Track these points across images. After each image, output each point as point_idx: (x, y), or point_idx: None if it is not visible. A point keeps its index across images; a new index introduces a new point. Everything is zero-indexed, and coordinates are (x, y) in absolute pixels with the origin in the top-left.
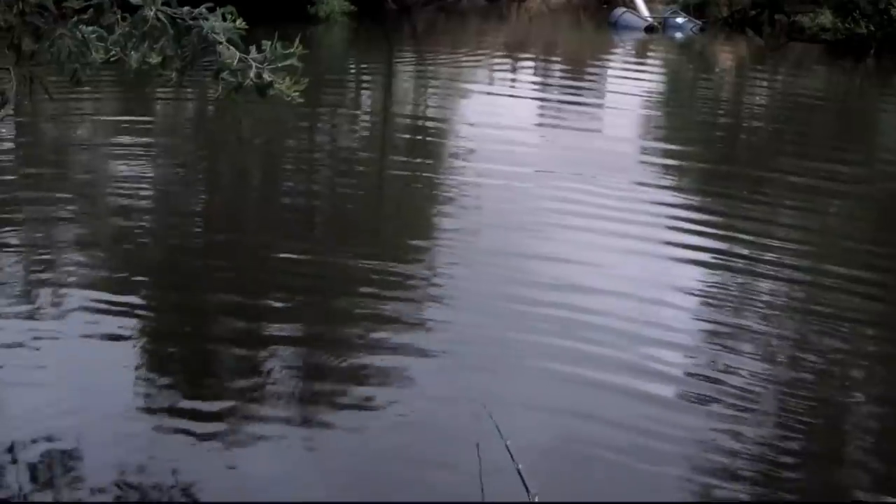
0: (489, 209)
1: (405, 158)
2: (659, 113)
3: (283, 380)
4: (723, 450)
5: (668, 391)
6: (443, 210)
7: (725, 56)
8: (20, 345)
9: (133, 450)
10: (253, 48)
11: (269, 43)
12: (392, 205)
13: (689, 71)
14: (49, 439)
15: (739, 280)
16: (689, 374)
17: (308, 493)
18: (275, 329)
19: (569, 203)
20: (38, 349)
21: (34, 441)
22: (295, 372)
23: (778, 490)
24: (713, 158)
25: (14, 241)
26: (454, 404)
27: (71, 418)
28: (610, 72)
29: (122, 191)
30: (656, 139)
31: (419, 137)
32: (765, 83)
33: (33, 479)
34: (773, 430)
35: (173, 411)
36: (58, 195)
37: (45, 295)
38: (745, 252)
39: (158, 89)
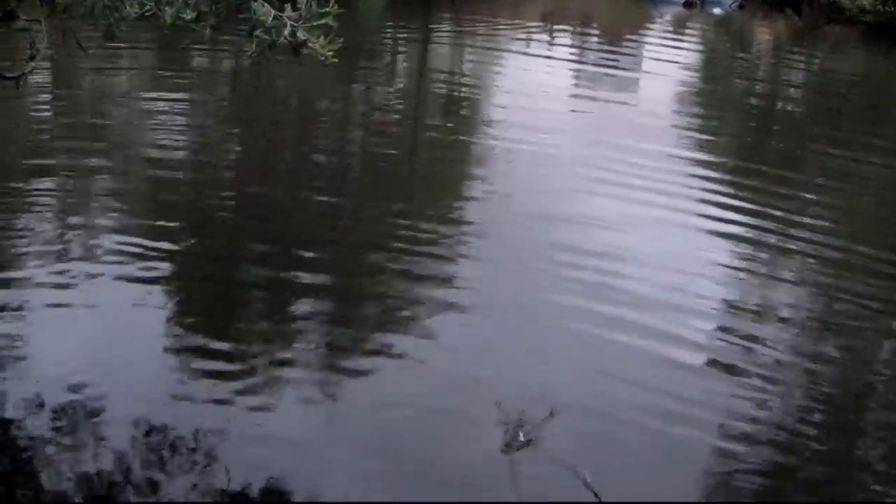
0: (522, 173)
1: (439, 122)
2: (695, 87)
3: (310, 328)
4: (748, 417)
5: (696, 358)
6: (475, 172)
7: (763, 34)
8: (52, 289)
9: (159, 395)
10: (288, 6)
11: (305, 1)
12: (425, 165)
13: (726, 47)
14: (76, 386)
15: (769, 254)
16: (717, 342)
17: (330, 443)
18: (303, 278)
19: (601, 170)
20: (68, 295)
21: (60, 388)
22: (321, 320)
23: (800, 459)
24: (747, 134)
25: (48, 188)
26: (477, 357)
27: (99, 363)
28: (647, 44)
29: (156, 142)
30: (691, 113)
31: (454, 102)
32: (802, 63)
33: (56, 428)
34: (798, 400)
35: (199, 358)
36: (93, 145)
37: (77, 241)
38: (776, 227)
39: (193, 46)
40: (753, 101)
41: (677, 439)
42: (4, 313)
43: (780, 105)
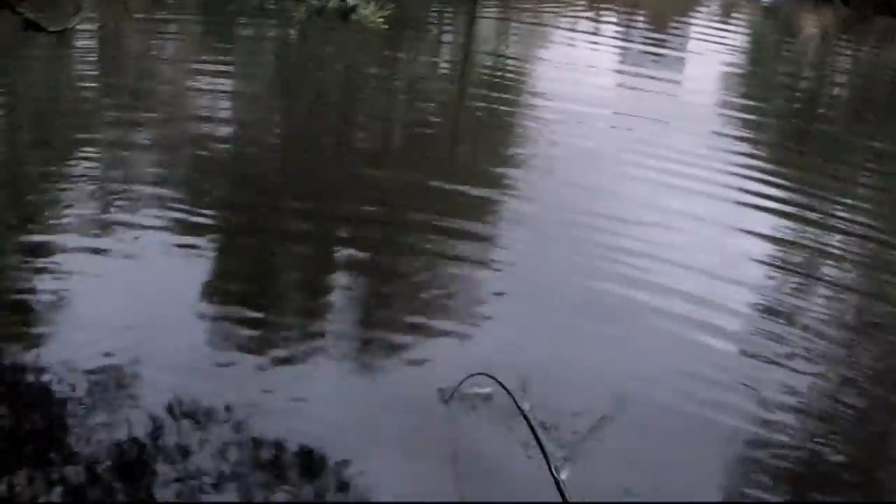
0: (563, 144)
1: (484, 92)
2: (740, 70)
3: (349, 301)
4: (783, 385)
5: (733, 324)
6: (517, 141)
7: (811, 23)
8: (91, 254)
9: (194, 362)
10: None
11: None
12: (468, 134)
13: (772, 34)
14: (111, 351)
15: (809, 232)
16: (755, 311)
17: (364, 418)
18: (345, 250)
19: (642, 144)
20: (107, 260)
21: (96, 351)
22: (361, 293)
23: (832, 434)
24: (791, 117)
25: (91, 153)
26: (516, 337)
27: (136, 328)
28: (693, 27)
29: (200, 109)
30: (735, 94)
31: (499, 75)
32: (848, 52)
33: (90, 391)
34: (835, 372)
35: (236, 327)
36: (136, 111)
37: (118, 208)
38: (817, 205)
39: (239, 12)
40: (799, 85)
41: (716, 424)
42: (44, 276)
43: (825, 90)
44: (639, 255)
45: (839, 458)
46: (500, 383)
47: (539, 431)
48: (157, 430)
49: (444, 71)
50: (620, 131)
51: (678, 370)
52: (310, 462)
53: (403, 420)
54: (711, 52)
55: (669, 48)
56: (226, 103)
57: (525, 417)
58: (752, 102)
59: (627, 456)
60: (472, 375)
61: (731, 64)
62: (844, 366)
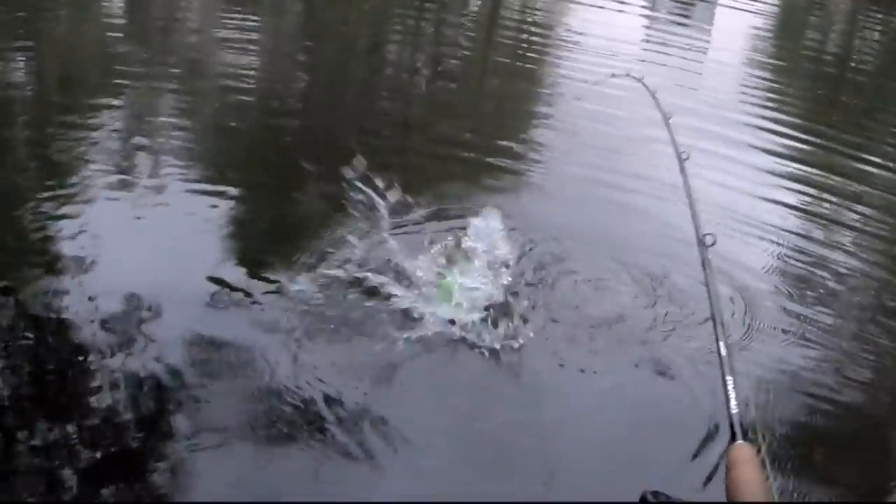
0: (586, 108)
1: (508, 57)
2: (767, 42)
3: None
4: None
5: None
6: (540, 100)
7: None
8: (112, 202)
9: (212, 313)
10: None
11: None
12: (492, 92)
13: (802, 3)
14: (130, 296)
15: (832, 205)
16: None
17: (387, 371)
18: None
19: (668, 108)
20: (129, 210)
21: (116, 297)
22: (381, 251)
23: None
24: (817, 88)
25: (114, 105)
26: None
27: (156, 275)
28: None
29: (224, 64)
30: (761, 65)
31: (524, 38)
32: (879, 24)
33: (107, 335)
34: (845, 351)
35: (255, 280)
36: (160, 66)
37: (141, 160)
38: (840, 181)
39: None
40: (826, 57)
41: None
42: (65, 222)
43: (853, 60)
44: (648, 211)
45: None
46: None
47: None
48: (173, 376)
49: (470, 33)
50: (642, 96)
51: None
52: (325, 420)
53: (431, 367)
54: (739, 21)
55: (696, 19)
56: (249, 59)
57: None
58: (777, 75)
59: None
60: None
61: (758, 34)
62: (850, 339)
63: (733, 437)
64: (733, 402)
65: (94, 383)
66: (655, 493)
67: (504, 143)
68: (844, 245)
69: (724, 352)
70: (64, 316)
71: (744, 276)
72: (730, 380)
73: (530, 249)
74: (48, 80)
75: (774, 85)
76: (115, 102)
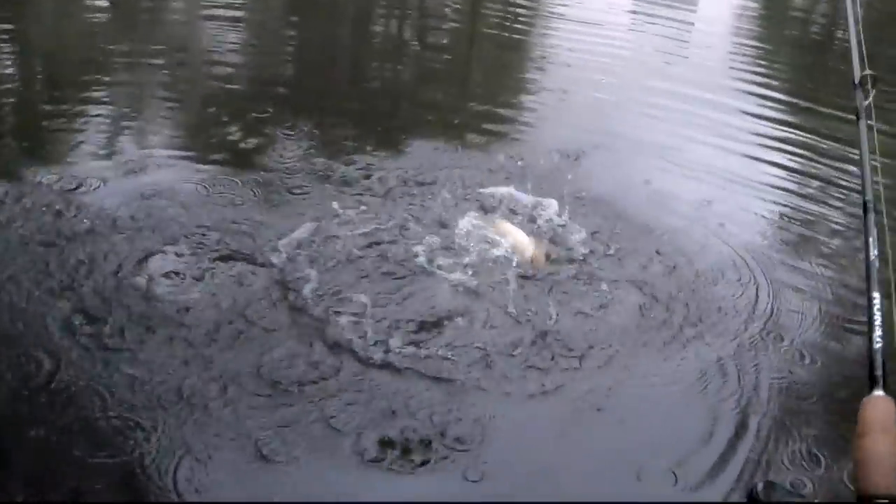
0: (576, 76)
1: (496, 31)
2: (754, 5)
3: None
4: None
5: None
6: (531, 67)
7: None
8: (102, 171)
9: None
10: None
11: None
12: (482, 59)
13: None
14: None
15: (820, 181)
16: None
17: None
18: (354, 177)
19: (654, 79)
20: (117, 177)
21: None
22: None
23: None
24: (804, 56)
25: (103, 84)
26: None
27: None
28: None
29: (212, 40)
30: (749, 39)
31: (511, 11)
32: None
33: (99, 311)
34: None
35: (243, 258)
36: (148, 44)
37: (130, 140)
38: (826, 161)
39: None
40: (812, 37)
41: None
42: (58, 205)
43: (839, 31)
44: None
45: None
46: None
47: None
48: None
49: (457, 5)
50: (632, 65)
51: None
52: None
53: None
54: None
55: None
56: (237, 35)
57: None
58: (763, 40)
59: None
60: None
61: (745, 6)
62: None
63: (872, 385)
64: (878, 334)
65: (82, 379)
66: (768, 485)
67: (494, 108)
68: None
69: (875, 268)
70: (51, 298)
71: None
72: (876, 299)
73: None
74: (34, 57)
75: (760, 57)
76: (105, 78)
